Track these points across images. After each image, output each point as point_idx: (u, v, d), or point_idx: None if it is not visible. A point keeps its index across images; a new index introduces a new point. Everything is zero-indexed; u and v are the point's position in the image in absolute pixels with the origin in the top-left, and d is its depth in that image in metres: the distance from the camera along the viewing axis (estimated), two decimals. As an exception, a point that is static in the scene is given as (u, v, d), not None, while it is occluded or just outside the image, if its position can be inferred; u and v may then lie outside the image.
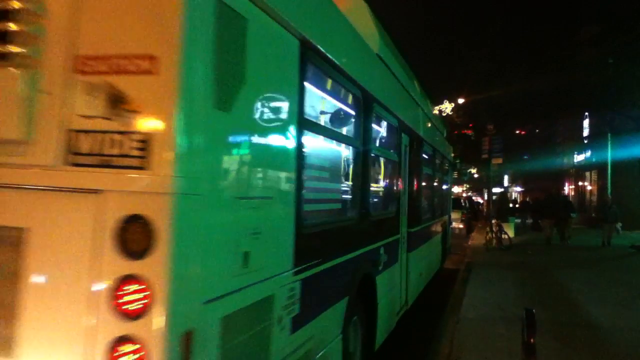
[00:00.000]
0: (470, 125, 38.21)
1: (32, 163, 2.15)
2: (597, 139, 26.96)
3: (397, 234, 6.55)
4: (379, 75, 5.58)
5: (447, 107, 36.85)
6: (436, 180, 10.93)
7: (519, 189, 56.91)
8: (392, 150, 6.42)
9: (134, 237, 1.99)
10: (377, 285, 5.23)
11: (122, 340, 1.97)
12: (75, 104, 2.08)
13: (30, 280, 2.10)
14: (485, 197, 38.93)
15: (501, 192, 31.69)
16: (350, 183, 4.77)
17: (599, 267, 14.07)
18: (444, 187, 13.14)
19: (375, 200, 5.79)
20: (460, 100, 35.70)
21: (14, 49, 2.17)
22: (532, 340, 3.49)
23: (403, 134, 6.83)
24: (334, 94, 4.20)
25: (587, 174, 34.29)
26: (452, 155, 15.43)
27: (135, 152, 2.03)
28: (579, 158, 35.27)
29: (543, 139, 40.29)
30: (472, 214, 30.91)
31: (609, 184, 23.34)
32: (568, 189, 40.45)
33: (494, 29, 32.42)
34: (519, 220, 24.65)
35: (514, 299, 9.34)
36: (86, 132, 2.09)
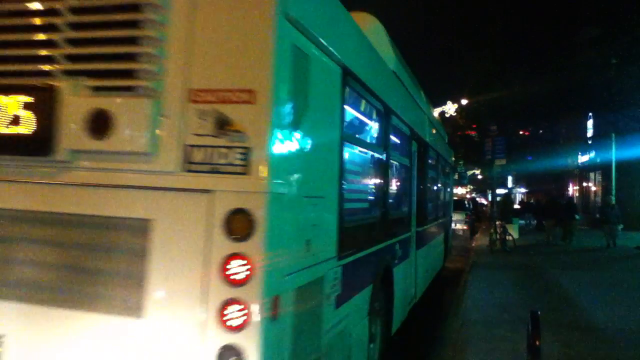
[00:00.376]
0: (474, 126, 38.15)
1: (157, 170, 2.78)
2: (601, 139, 26.86)
3: (409, 232, 7.21)
4: (395, 90, 6.27)
5: (450, 108, 36.82)
6: (440, 183, 11.74)
7: (522, 190, 56.77)
8: (405, 156, 7.06)
9: (238, 225, 2.62)
10: (394, 277, 5.91)
11: (230, 302, 2.58)
12: (190, 126, 2.74)
13: (155, 258, 2.73)
14: (489, 198, 38.85)
15: (505, 194, 31.64)
16: (375, 186, 5.36)
17: (603, 268, 14.02)
18: (447, 189, 14.10)
19: (394, 200, 6.45)
20: (464, 102, 35.66)
21: (142, 83, 2.81)
22: (537, 342, 3.46)
23: (413, 142, 7.55)
24: (364, 109, 4.90)
25: (591, 174, 34.16)
26: (454, 158, 16.59)
27: (238, 162, 2.67)
28: (583, 159, 35.13)
29: (547, 140, 40.16)
30: (476, 215, 30.86)
31: (614, 185, 23.25)
32: (572, 190, 40.31)
33: (497, 29, 32.33)
34: (522, 222, 24.55)
35: (518, 300, 9.31)
36: (199, 146, 2.73)
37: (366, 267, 4.64)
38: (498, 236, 18.05)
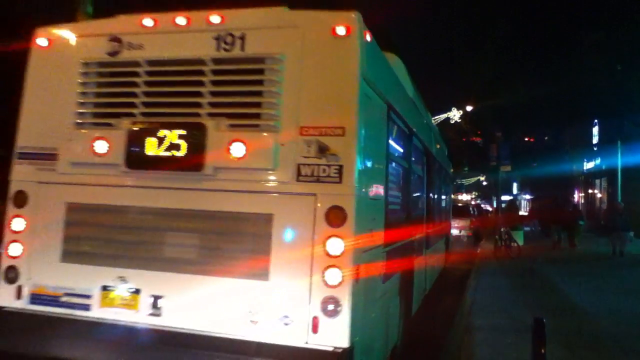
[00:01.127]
0: (479, 132, 38.11)
1: (278, 180, 4.08)
2: (606, 146, 26.77)
3: (422, 232, 8.41)
4: (414, 114, 7.53)
5: (455, 114, 36.80)
6: (443, 190, 13.13)
7: (528, 196, 56.60)
8: (421, 169, 8.38)
9: (335, 216, 3.89)
10: (414, 268, 7.24)
11: (329, 267, 3.84)
12: (300, 151, 4.01)
13: (276, 240, 4.00)
14: (494, 204, 38.74)
15: (510, 200, 31.52)
16: (403, 193, 6.52)
17: (609, 275, 13.94)
18: (448, 196, 16.11)
19: (414, 206, 7.60)
20: (469, 108, 35.63)
21: (266, 122, 4.12)
22: (542, 350, 3.44)
23: (424, 156, 8.78)
24: (398, 134, 6.08)
25: (597, 181, 34.01)
26: (451, 168, 18.32)
27: (334, 174, 3.94)
28: (588, 165, 35.00)
29: (552, 146, 40.05)
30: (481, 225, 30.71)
31: (619, 192, 23.14)
32: (577, 196, 40.14)
33: (502, 34, 32.30)
34: (527, 228, 24.44)
35: (523, 307, 9.27)
36: (306, 164, 4.00)
37: (397, 256, 5.71)
38: (503, 242, 17.99)
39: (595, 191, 34.80)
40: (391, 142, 5.52)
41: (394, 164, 5.73)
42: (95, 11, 9.86)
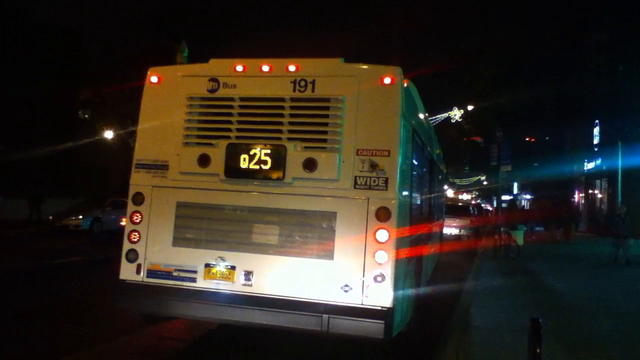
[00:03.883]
0: (480, 131, 38.07)
1: (340, 188, 5.53)
2: (607, 146, 26.74)
3: (429, 227, 9.87)
4: (425, 129, 8.75)
5: (456, 113, 36.76)
6: (439, 190, 14.37)
7: (528, 196, 56.54)
8: (428, 174, 9.49)
9: (382, 214, 5.39)
10: (423, 256, 8.66)
11: (378, 250, 5.35)
12: (357, 166, 5.48)
13: (339, 230, 5.48)
14: (495, 204, 38.68)
15: (510, 200, 31.45)
16: (420, 195, 7.97)
17: (606, 276, 13.95)
18: (442, 195, 17.53)
19: (426, 204, 8.95)
20: (470, 107, 35.58)
21: (332, 145, 5.62)
22: (538, 350, 3.46)
23: (430, 163, 9.83)
24: (418, 149, 7.40)
25: (597, 182, 34.00)
26: (446, 170, 19.86)
27: (382, 184, 5.43)
28: (589, 166, 34.98)
29: (553, 146, 39.97)
30: (482, 225, 30.67)
31: (619, 193, 23.14)
32: (578, 196, 40.12)
33: (504, 35, 32.27)
34: (526, 228, 24.49)
35: (522, 307, 9.29)
36: (361, 176, 5.48)
37: (415, 244, 6.97)
38: (503, 242, 18.01)
39: (596, 191, 34.79)
40: (415, 156, 6.98)
41: (414, 173, 7.05)
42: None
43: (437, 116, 37.97)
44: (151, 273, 5.94)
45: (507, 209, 23.73)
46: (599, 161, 31.57)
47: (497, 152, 20.30)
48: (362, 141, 5.55)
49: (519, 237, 20.27)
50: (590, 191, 36.53)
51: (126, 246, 6.04)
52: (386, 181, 5.45)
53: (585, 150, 34.00)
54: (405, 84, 5.83)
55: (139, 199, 6.09)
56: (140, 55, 25.15)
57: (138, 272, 5.97)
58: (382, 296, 5.33)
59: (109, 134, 29.71)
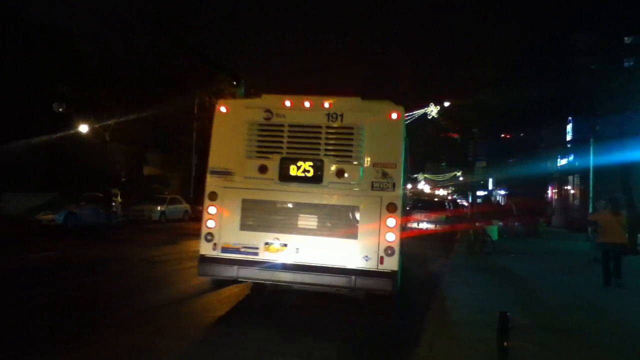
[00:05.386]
0: (457, 128, 38.40)
1: (362, 189, 8.02)
2: (580, 144, 27.20)
3: (406, 219, 12.61)
4: (406, 137, 9.53)
5: (432, 110, 37.02)
6: (408, 187, 17.78)
7: (503, 192, 57.25)
8: (407, 174, 10.98)
9: (391, 207, 7.92)
10: (404, 240, 9.59)
11: (388, 231, 7.87)
12: (372, 174, 7.99)
13: (361, 219, 7.95)
14: (470, 199, 39.08)
15: (485, 195, 31.87)
16: (403, 194, 8.98)
17: (581, 271, 14.23)
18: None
19: (405, 200, 10.11)
20: (446, 104, 35.85)
21: (355, 160, 8.09)
22: (505, 343, 3.53)
23: (407, 165, 11.30)
24: (406, 156, 8.95)
25: (570, 178, 34.60)
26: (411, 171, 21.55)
27: (390, 187, 7.96)
28: (562, 162, 35.58)
29: (528, 143, 40.55)
30: (456, 216, 31.04)
31: (591, 189, 23.58)
32: (551, 192, 40.80)
33: (482, 35, 32.62)
34: (501, 224, 24.83)
35: (496, 302, 9.43)
36: (376, 182, 7.98)
37: (403, 230, 8.53)
38: (477, 238, 18.24)
39: (569, 187, 35.41)
40: (405, 166, 8.80)
41: (403, 177, 8.50)
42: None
43: (414, 112, 38.17)
44: (224, 249, 8.24)
45: (482, 204, 24.01)
46: (571, 158, 32.12)
47: (472, 148, 20.48)
48: (376, 157, 8.03)
49: (493, 233, 20.55)
50: (563, 187, 37.18)
51: (204, 230, 8.32)
52: (393, 185, 7.93)
53: (560, 147, 34.55)
54: (404, 117, 8.49)
55: (213, 196, 8.33)
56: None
57: (214, 249, 8.26)
58: (391, 263, 7.81)
59: (84, 128, 29.28)
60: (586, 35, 24.03)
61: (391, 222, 7.80)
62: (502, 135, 37.83)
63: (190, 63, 34.21)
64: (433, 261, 15.79)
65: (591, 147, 22.93)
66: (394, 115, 8.09)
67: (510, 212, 27.28)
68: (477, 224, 19.00)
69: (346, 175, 7.95)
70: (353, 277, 7.78)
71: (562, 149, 33.88)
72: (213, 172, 8.37)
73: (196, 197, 36.81)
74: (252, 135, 8.28)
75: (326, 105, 8.13)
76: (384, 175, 7.91)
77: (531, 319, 8.11)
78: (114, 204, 27.26)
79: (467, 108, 32.74)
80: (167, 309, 8.60)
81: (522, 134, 40.26)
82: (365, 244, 7.82)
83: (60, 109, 27.37)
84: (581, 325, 8.11)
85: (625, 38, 20.49)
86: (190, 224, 29.16)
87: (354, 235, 7.87)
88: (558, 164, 36.59)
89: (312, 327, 7.77)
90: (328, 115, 8.10)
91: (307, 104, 8.19)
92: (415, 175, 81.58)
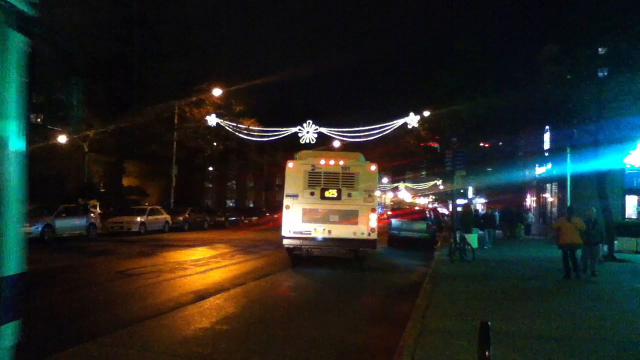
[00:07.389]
0: (436, 138, 38.70)
1: (360, 202, 16.23)
2: (557, 152, 27.60)
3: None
4: (379, 177, 21.10)
5: (412, 119, 37.28)
6: None
7: (483, 200, 57.82)
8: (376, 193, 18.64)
9: (373, 209, 16.39)
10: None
11: (372, 221, 16.16)
12: (363, 195, 16.26)
13: (360, 215, 16.14)
14: (450, 208, 39.32)
15: (465, 204, 32.08)
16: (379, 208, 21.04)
17: (558, 279, 14.38)
18: None
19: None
20: (426, 113, 36.14)
21: (357, 189, 16.32)
22: (487, 353, 3.53)
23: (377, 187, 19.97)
24: (377, 186, 19.15)
25: (548, 186, 35.06)
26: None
27: (372, 201, 16.51)
28: (540, 170, 36.05)
29: (506, 152, 41.07)
30: (437, 225, 31.18)
31: (569, 196, 23.92)
32: (530, 200, 41.28)
33: (461, 47, 33.04)
34: (482, 232, 25.02)
35: (477, 310, 9.46)
36: (365, 198, 16.26)
37: (378, 220, 17.04)
38: (458, 246, 18.34)
39: (547, 195, 35.87)
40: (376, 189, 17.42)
41: (376, 195, 16.23)
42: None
43: (394, 122, 38.42)
44: (294, 232, 15.80)
45: (462, 213, 24.12)
46: (549, 166, 32.57)
47: (452, 157, 20.66)
48: (365, 187, 15.92)
49: (473, 241, 20.68)
50: (541, 195, 37.65)
51: (285, 223, 15.86)
52: (373, 199, 16.19)
53: (537, 156, 35.01)
54: (377, 167, 16.83)
55: (288, 207, 15.86)
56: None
57: (289, 232, 15.82)
58: (373, 235, 15.80)
59: (62, 139, 28.89)
60: (555, 45, 24.51)
61: (373, 216, 15.81)
62: (482, 144, 38.22)
63: (167, 70, 34.06)
64: (414, 270, 15.85)
65: (568, 156, 23.27)
66: (373, 167, 16.31)
67: (492, 221, 27.42)
68: (457, 232, 19.10)
69: (352, 196, 15.85)
70: (357, 242, 15.77)
71: (540, 157, 34.35)
72: (288, 196, 15.97)
73: (177, 208, 36.55)
74: (306, 177, 15.98)
75: (341, 162, 16.17)
76: (369, 195, 15.97)
77: (511, 327, 8.14)
78: (92, 215, 26.89)
79: (446, 117, 33.01)
80: (146, 322, 8.46)
81: (500, 143, 40.76)
82: (361, 227, 15.69)
83: (39, 120, 26.98)
84: (565, 332, 8.16)
85: (600, 49, 20.89)
86: (171, 235, 28.85)
87: (356, 223, 15.72)
88: (536, 172, 37.06)
89: (295, 345, 7.68)
90: (342, 167, 16.03)
91: (332, 162, 16.14)
92: (396, 185, 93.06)
